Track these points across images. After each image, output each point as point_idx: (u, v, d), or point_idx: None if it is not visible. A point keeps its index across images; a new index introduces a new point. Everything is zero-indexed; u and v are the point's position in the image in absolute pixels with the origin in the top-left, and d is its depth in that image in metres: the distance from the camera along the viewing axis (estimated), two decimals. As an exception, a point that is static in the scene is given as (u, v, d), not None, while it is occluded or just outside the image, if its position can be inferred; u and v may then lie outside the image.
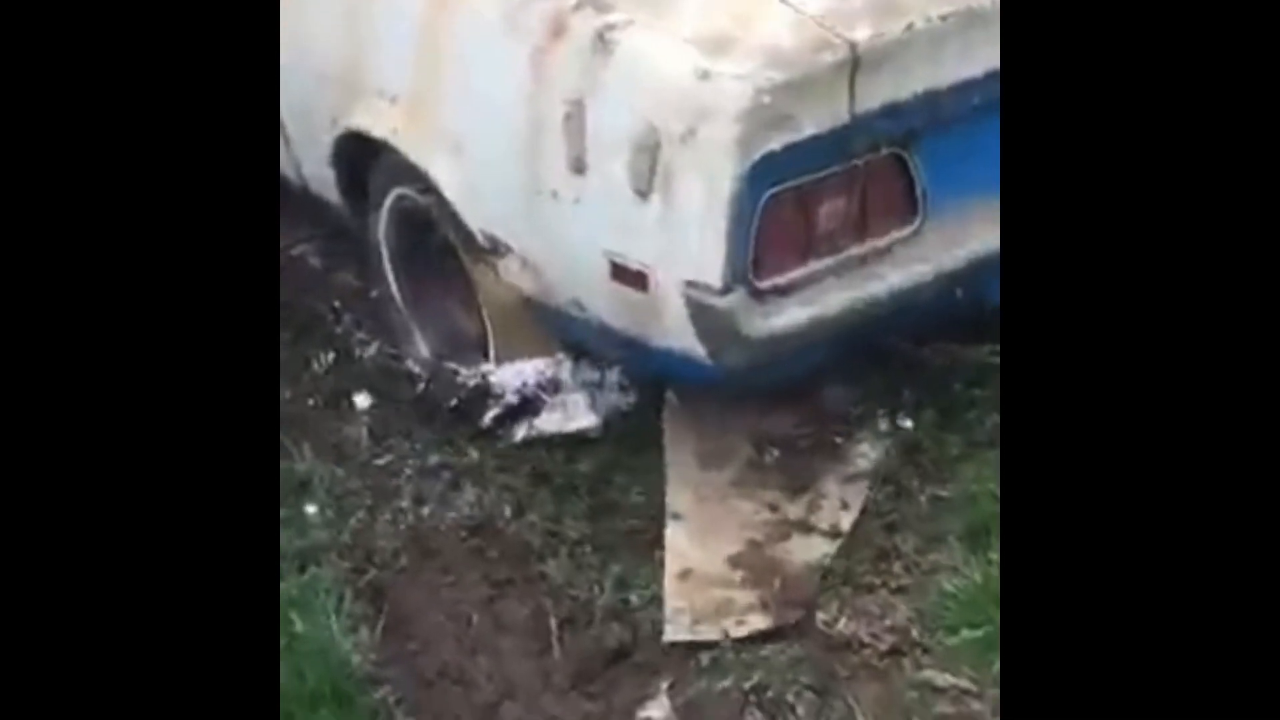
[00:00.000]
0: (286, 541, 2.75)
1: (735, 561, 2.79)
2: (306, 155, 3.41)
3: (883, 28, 2.53)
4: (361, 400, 3.26)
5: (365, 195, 3.31)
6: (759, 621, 2.67)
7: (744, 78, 2.47)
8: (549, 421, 3.04)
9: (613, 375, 3.09)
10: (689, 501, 2.91)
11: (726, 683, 2.55)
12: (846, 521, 2.84)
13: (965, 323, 2.83)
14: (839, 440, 3.00)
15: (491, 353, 3.12)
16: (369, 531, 2.92)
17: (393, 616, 2.74)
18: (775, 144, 2.49)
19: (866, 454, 2.97)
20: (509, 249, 2.92)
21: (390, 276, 3.36)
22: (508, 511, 2.92)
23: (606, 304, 2.76)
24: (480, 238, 2.94)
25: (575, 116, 2.66)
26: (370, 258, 3.40)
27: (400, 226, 3.27)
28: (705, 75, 2.51)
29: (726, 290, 2.54)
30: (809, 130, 2.51)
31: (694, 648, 2.63)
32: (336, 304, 3.52)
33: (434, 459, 3.08)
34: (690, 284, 2.57)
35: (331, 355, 3.40)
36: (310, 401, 3.27)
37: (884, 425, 3.01)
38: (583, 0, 2.71)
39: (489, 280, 2.98)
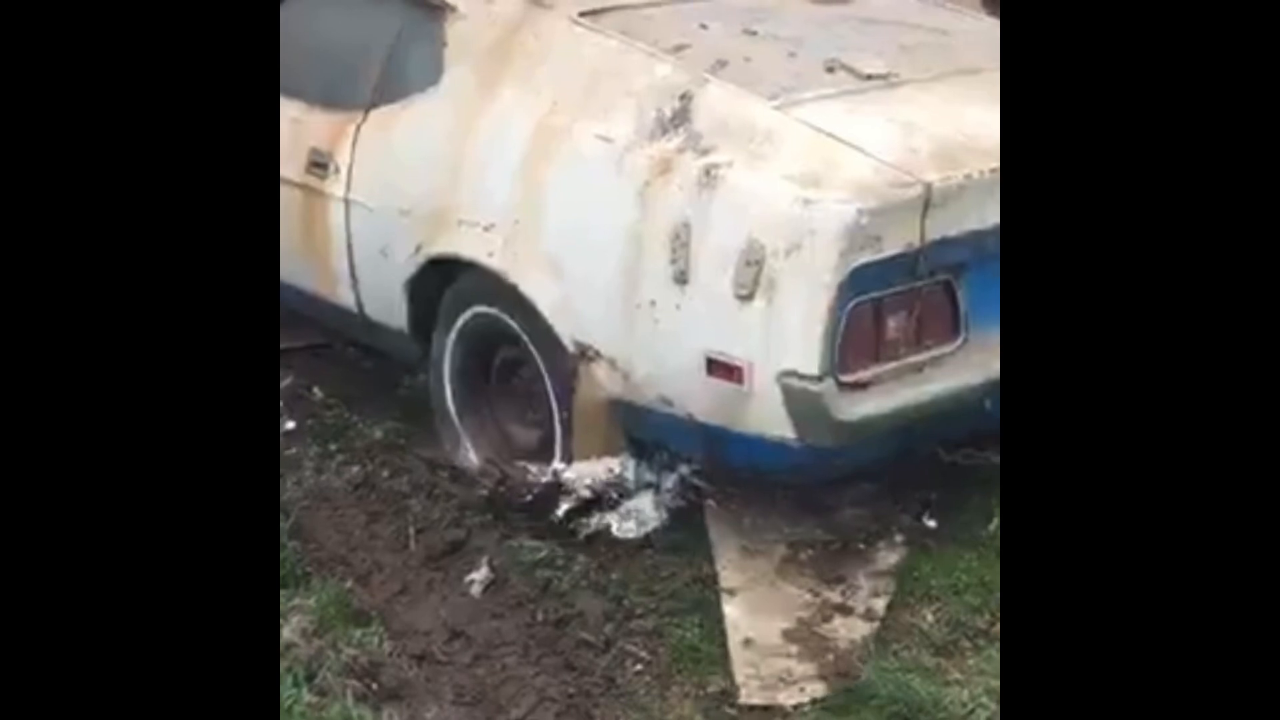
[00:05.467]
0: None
1: (789, 636, 3.19)
2: (375, 286, 3.83)
3: (947, 173, 3.09)
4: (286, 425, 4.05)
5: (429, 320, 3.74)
6: (819, 690, 3.04)
7: (845, 202, 3.00)
8: (624, 528, 3.44)
9: (669, 480, 3.52)
10: (740, 581, 3.32)
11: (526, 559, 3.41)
12: (880, 606, 3.27)
13: (989, 433, 3.23)
14: (863, 546, 3.46)
15: (558, 451, 3.52)
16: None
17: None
18: (865, 259, 3.01)
19: (888, 557, 3.43)
20: (598, 355, 3.36)
21: (448, 391, 3.77)
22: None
23: (697, 398, 3.20)
24: (571, 346, 3.38)
25: (682, 237, 3.15)
26: (430, 374, 3.81)
27: (467, 344, 3.69)
28: (808, 202, 3.03)
29: (821, 379, 3.01)
30: (889, 251, 3.04)
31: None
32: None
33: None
34: (788, 373, 3.03)
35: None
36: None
37: (900, 535, 3.48)
38: (684, 145, 3.24)
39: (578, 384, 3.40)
